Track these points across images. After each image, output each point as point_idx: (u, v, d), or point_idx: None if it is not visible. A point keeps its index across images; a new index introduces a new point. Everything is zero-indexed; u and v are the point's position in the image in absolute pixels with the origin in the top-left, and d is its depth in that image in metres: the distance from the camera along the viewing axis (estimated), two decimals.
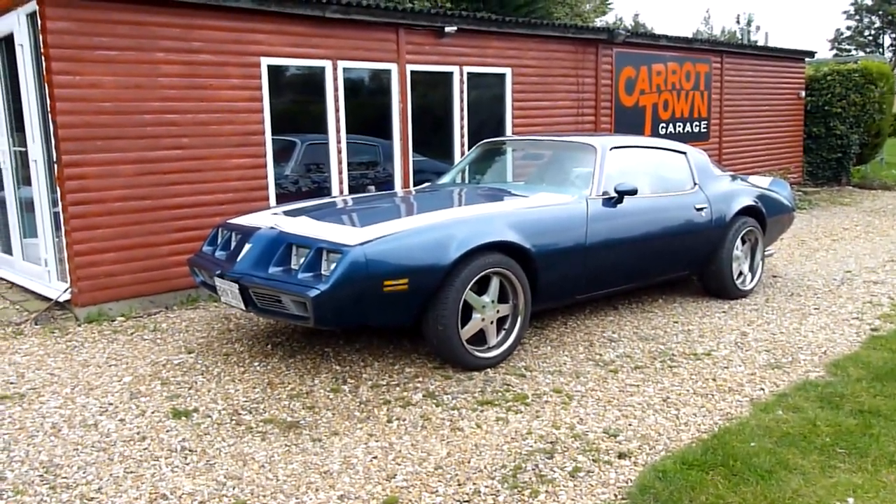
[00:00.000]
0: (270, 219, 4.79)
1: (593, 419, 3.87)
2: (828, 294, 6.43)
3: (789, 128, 13.37)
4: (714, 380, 4.43)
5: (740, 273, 6.33)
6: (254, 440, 3.63)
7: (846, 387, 4.22)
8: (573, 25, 9.02)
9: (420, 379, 4.39)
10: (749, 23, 41.23)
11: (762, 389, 4.28)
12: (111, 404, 4.08)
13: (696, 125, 11.25)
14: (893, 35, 56.93)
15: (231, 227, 4.94)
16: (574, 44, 9.12)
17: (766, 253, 6.67)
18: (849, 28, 58.84)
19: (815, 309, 5.96)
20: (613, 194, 5.25)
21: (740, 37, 34.79)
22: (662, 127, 10.66)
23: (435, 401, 4.08)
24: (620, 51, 9.77)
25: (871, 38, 58.06)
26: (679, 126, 10.93)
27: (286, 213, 4.98)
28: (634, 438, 3.64)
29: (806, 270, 7.42)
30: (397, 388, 4.25)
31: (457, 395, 4.15)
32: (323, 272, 4.09)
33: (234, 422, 3.84)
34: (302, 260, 4.18)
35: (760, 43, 13.19)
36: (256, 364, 4.65)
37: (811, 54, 13.70)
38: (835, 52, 55.27)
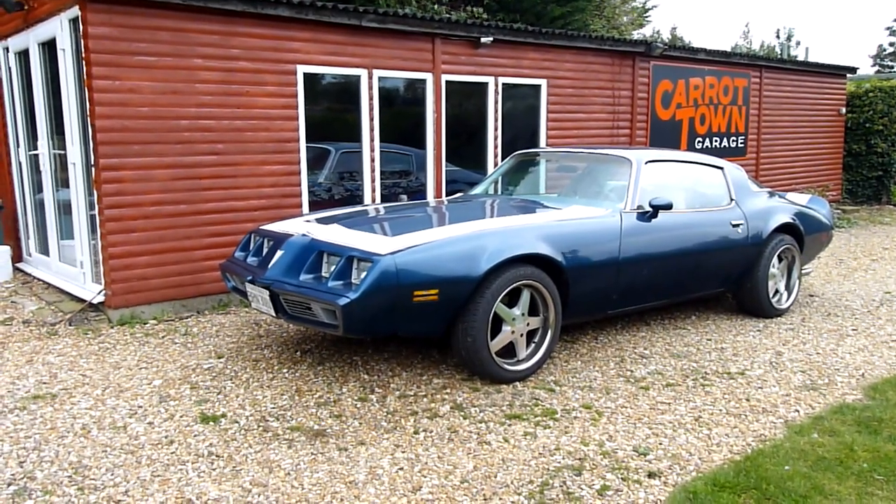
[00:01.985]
0: (303, 226, 4.80)
1: (623, 436, 3.80)
2: (866, 315, 6.29)
3: (829, 145, 13.14)
4: (748, 400, 4.34)
5: (776, 291, 6.21)
6: (280, 447, 3.63)
7: (885, 411, 4.10)
8: (610, 38, 8.96)
9: (448, 390, 4.36)
10: (789, 37, 40.74)
11: (797, 411, 4.18)
12: (140, 407, 4.11)
13: (733, 140, 11.11)
14: None
15: (263, 233, 4.97)
16: (611, 56, 9.07)
17: (803, 271, 6.54)
18: (892, 44, 57.84)
19: (853, 330, 5.82)
20: (648, 209, 5.19)
21: (780, 51, 34.36)
22: (699, 141, 10.54)
23: (462, 413, 4.05)
24: (658, 64, 9.69)
25: None
26: (716, 141, 10.80)
27: (318, 220, 4.99)
28: (665, 458, 3.57)
29: (844, 290, 7.27)
30: (425, 399, 4.22)
31: (485, 408, 4.11)
32: (353, 280, 4.08)
33: (261, 428, 3.84)
34: (333, 268, 4.18)
35: (800, 58, 12.97)
36: (285, 371, 4.66)
37: (853, 70, 13.46)
38: (877, 68, 54.33)
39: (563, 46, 8.49)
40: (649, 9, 24.55)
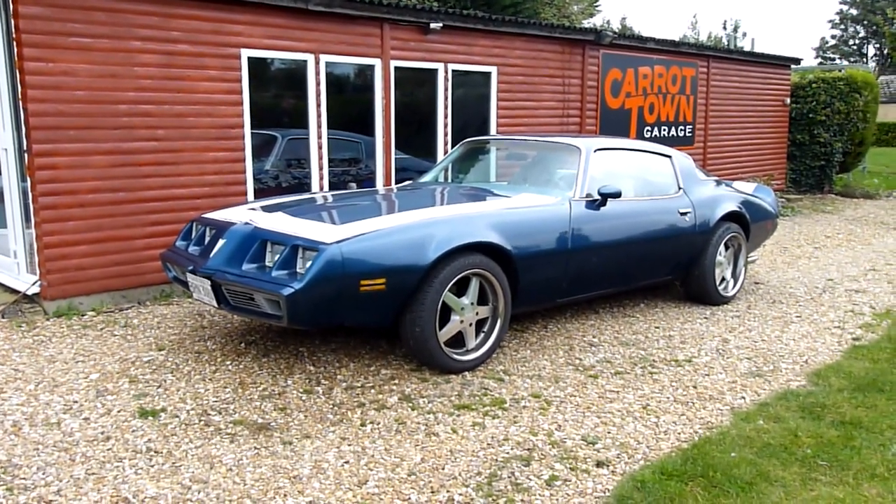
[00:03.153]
0: (246, 214, 4.67)
1: (572, 426, 3.78)
2: (810, 302, 6.40)
3: (774, 134, 13.38)
4: (695, 387, 4.36)
5: (723, 279, 6.28)
6: (222, 442, 3.51)
7: (828, 397, 4.16)
8: (560, 25, 8.95)
9: (396, 381, 4.29)
10: (735, 29, 41.50)
11: (743, 398, 4.22)
12: (76, 402, 3.95)
13: (681, 129, 11.23)
14: (877, 45, 57.48)
15: (206, 221, 4.82)
16: (561, 44, 9.05)
17: (748, 259, 6.62)
18: (833, 37, 59.42)
19: (797, 317, 5.92)
20: (597, 197, 5.18)
21: (727, 42, 34.94)
22: (648, 130, 10.62)
23: (411, 404, 3.98)
24: (607, 52, 9.72)
25: (855, 47, 58.62)
26: (664, 130, 10.90)
27: (263, 208, 4.86)
28: (613, 446, 3.56)
29: (788, 278, 7.39)
30: (372, 391, 4.14)
31: (433, 399, 4.05)
32: (298, 270, 3.98)
33: (202, 422, 3.72)
34: (277, 257, 4.06)
35: (747, 49, 13.17)
36: (228, 363, 4.53)
37: (797, 61, 13.73)
38: (819, 60, 55.76)
39: (514, 34, 8.45)
40: None
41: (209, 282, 4.16)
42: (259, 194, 6.61)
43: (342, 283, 3.89)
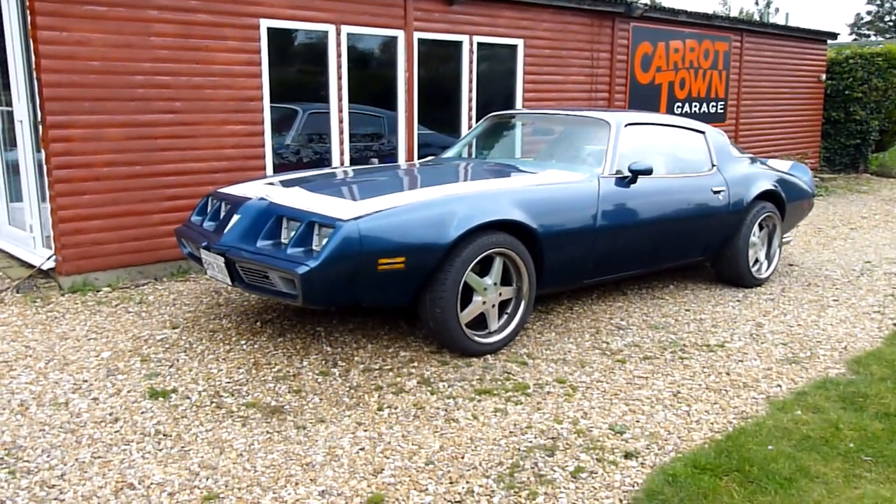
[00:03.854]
0: (262, 189, 4.51)
1: (598, 414, 3.60)
2: (847, 285, 6.14)
3: (808, 112, 12.98)
4: (728, 374, 4.16)
5: (756, 260, 6.04)
6: (234, 426, 3.38)
7: (870, 386, 3.94)
8: None
9: (415, 364, 4.13)
10: (768, 4, 40.51)
11: (779, 386, 4.01)
12: (85, 381, 3.84)
13: (712, 105, 10.89)
14: None
15: (221, 196, 4.67)
16: (590, 16, 8.76)
17: (783, 240, 6.37)
18: (869, 13, 57.84)
19: (834, 301, 5.67)
20: (627, 174, 4.95)
21: (759, 18, 34.11)
22: (678, 106, 10.31)
23: (430, 388, 3.82)
24: (638, 25, 9.40)
25: (892, 23, 57.05)
26: (695, 106, 10.58)
27: (281, 183, 4.70)
28: (642, 437, 3.38)
29: (824, 259, 7.12)
30: (390, 374, 3.99)
31: (453, 383, 3.89)
32: (314, 247, 3.82)
33: (214, 405, 3.59)
34: (292, 234, 3.91)
35: (780, 24, 12.73)
36: (243, 342, 4.40)
37: (833, 36, 13.27)
38: (854, 37, 54.38)
39: (541, 5, 8.17)
40: None
41: (223, 259, 4.02)
42: (278, 169, 6.46)
43: (359, 262, 3.72)
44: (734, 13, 41.20)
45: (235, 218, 4.16)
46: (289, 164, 6.65)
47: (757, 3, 42.04)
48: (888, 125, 14.02)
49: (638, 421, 3.54)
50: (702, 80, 10.62)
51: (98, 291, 5.45)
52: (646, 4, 9.25)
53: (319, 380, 3.89)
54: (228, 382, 3.84)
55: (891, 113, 13.81)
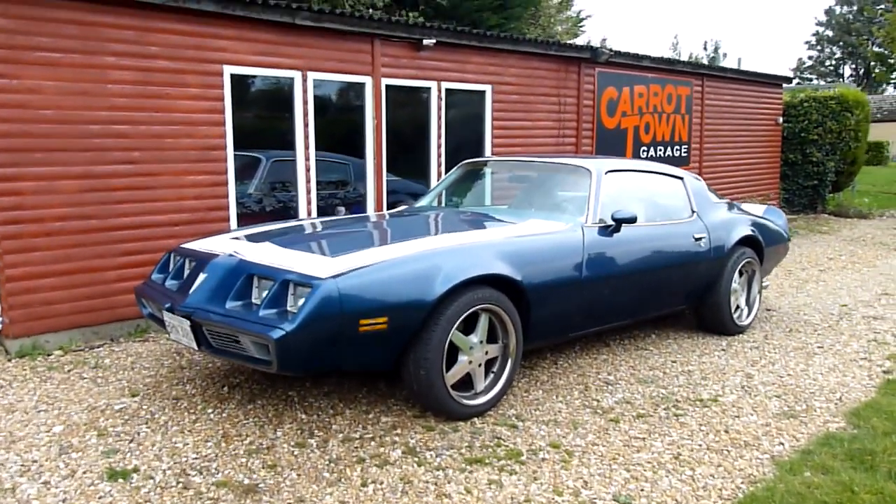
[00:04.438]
0: (230, 244, 4.23)
1: (599, 482, 3.36)
2: (828, 330, 6.04)
3: (767, 154, 13.14)
4: (726, 431, 3.96)
5: (737, 307, 5.91)
6: None
7: (875, 442, 3.77)
8: (556, 42, 8.62)
9: (399, 431, 3.84)
10: (716, 49, 41.72)
11: (781, 444, 3.82)
12: (35, 462, 3.47)
13: (676, 149, 10.92)
14: (853, 65, 58.13)
15: (185, 252, 4.37)
16: (557, 62, 8.72)
17: (762, 285, 6.26)
18: (810, 58, 60.01)
19: (819, 347, 5.55)
20: (611, 222, 4.79)
21: (708, 63, 35.01)
22: (644, 150, 10.30)
23: (416, 458, 3.54)
24: (603, 70, 9.40)
25: (832, 67, 59.24)
26: (660, 149, 10.59)
27: (248, 237, 4.42)
28: None
29: (800, 303, 7.04)
30: (372, 443, 3.70)
31: (441, 452, 3.61)
32: (289, 308, 3.54)
33: (180, 485, 3.25)
34: (265, 294, 3.62)
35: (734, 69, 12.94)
36: (210, 411, 4.07)
37: (789, 80, 13.54)
38: (797, 80, 56.21)
39: (508, 51, 8.10)
40: (583, 18, 24.60)
41: (188, 321, 3.71)
42: (242, 220, 6.17)
43: (339, 324, 3.46)
44: (684, 58, 42.32)
45: (202, 276, 3.86)
46: (252, 214, 6.37)
47: (706, 48, 43.28)
48: (843, 166, 14.28)
49: (642, 490, 3.30)
50: (665, 124, 10.65)
51: (49, 355, 5.07)
52: (611, 50, 9.26)
53: (296, 452, 3.58)
54: (196, 458, 3.51)
55: (846, 154, 14.07)
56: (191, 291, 3.83)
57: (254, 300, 3.72)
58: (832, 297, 7.36)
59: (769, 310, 6.77)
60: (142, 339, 5.52)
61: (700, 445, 3.78)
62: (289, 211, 6.64)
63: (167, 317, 3.90)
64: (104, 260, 5.43)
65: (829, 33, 57.85)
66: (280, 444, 3.66)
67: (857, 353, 5.43)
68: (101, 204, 5.36)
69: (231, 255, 3.93)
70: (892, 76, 24.40)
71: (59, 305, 5.24)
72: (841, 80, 56.85)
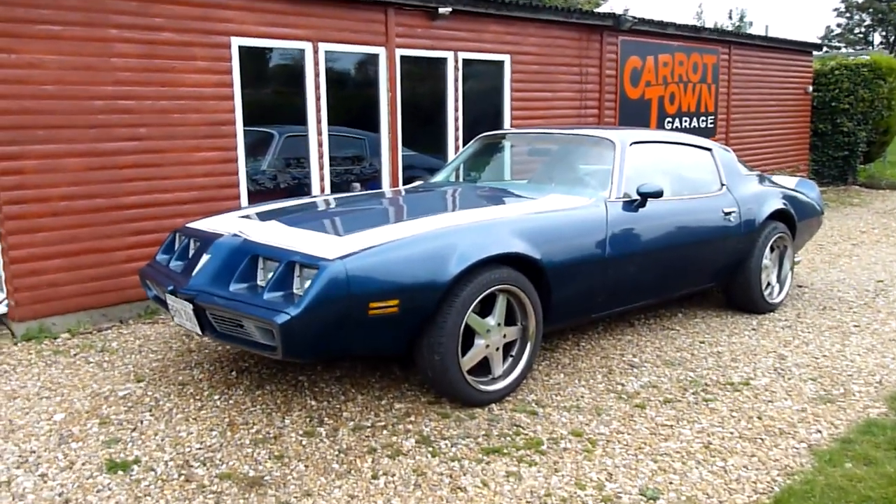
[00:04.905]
0: (236, 223, 4.05)
1: (624, 474, 3.16)
2: (864, 308, 5.76)
3: (796, 124, 12.73)
4: (759, 418, 3.74)
5: (768, 284, 5.65)
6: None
7: None
8: (577, 10, 8.30)
9: (412, 418, 3.66)
10: (741, 18, 40.74)
11: (819, 432, 3.59)
12: (33, 452, 3.33)
13: (702, 120, 10.58)
14: (884, 33, 56.62)
15: (190, 232, 4.20)
16: (578, 30, 8.41)
17: (794, 261, 5.99)
18: (839, 25, 58.49)
19: (856, 326, 5.29)
20: (635, 197, 4.55)
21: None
22: (668, 121, 9.97)
23: (430, 448, 3.36)
24: (626, 39, 9.07)
25: (861, 35, 57.75)
26: (686, 121, 10.25)
27: (257, 215, 4.23)
28: (679, 502, 2.93)
29: (833, 279, 6.76)
30: (384, 432, 3.52)
31: (457, 441, 3.43)
32: (295, 291, 3.36)
33: (182, 478, 3.10)
34: (270, 276, 3.44)
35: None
36: (217, 397, 3.91)
37: (819, 47, 13.08)
38: (825, 49, 54.91)
39: (527, 19, 7.80)
40: None
41: (191, 305, 3.54)
42: (254, 198, 6.00)
43: (347, 307, 3.27)
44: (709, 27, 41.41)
45: (205, 258, 3.69)
46: (265, 192, 6.19)
47: (731, 17, 42.28)
48: (875, 136, 13.81)
49: (671, 482, 3.09)
50: (691, 94, 10.30)
51: (56, 339, 4.94)
52: (634, 18, 8.91)
53: (304, 442, 3.41)
54: (199, 448, 3.35)
55: (878, 124, 13.60)
56: (194, 273, 3.65)
57: (259, 282, 3.55)
58: (867, 272, 7.07)
59: (801, 286, 6.49)
60: (151, 321, 5.38)
61: (732, 433, 3.56)
62: (303, 188, 6.45)
63: (170, 300, 3.74)
64: (112, 240, 5.27)
65: (859, 0, 56.31)
66: (288, 434, 3.49)
67: None
68: (107, 182, 5.20)
69: (235, 235, 3.75)
70: None
71: (65, 287, 5.11)
72: (871, 47, 55.45)
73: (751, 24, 41.13)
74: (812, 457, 3.32)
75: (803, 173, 12.95)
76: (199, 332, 3.62)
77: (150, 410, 3.76)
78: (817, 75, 13.34)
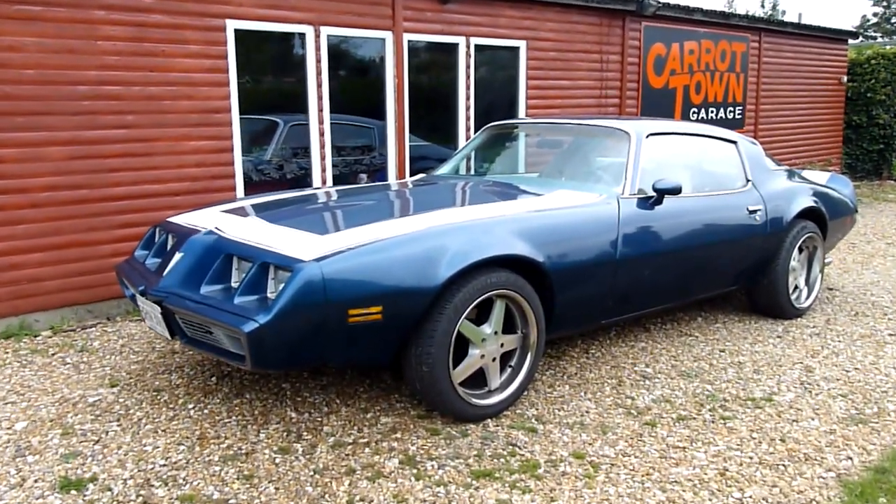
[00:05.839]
0: (216, 218, 3.76)
1: None
2: None
3: (829, 116, 12.20)
4: (783, 440, 3.38)
5: (796, 287, 5.26)
6: None
7: None
8: None
9: (398, 435, 3.35)
10: (774, 7, 39.78)
11: (849, 458, 3.23)
12: None
13: (730, 111, 10.13)
14: None
15: (169, 227, 3.91)
16: (599, 15, 8.01)
17: (824, 262, 5.59)
18: (875, 14, 57.05)
19: (891, 335, 4.89)
20: (651, 193, 4.19)
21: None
22: (694, 112, 9.54)
23: (415, 471, 3.04)
24: (650, 25, 8.65)
25: None
26: (712, 111, 9.81)
27: (240, 210, 3.94)
28: None
29: (865, 281, 6.34)
30: (366, 450, 3.21)
31: (445, 462, 3.11)
32: (269, 295, 3.06)
33: (140, 499, 2.82)
34: (243, 277, 3.14)
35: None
36: (191, 406, 3.63)
37: (855, 35, 12.53)
38: (860, 39, 53.57)
39: (545, 3, 7.43)
40: None
41: (159, 308, 3.26)
42: (256, 189, 5.71)
43: (324, 314, 2.96)
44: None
45: (177, 256, 3.40)
46: (267, 183, 5.91)
47: (763, 6, 41.29)
48: None
49: None
50: (718, 83, 9.86)
51: (36, 336, 4.70)
52: (658, 2, 8.49)
53: (278, 460, 3.12)
54: (164, 465, 3.07)
55: None
56: (164, 273, 3.37)
57: (233, 284, 3.25)
58: None
59: (831, 289, 6.09)
60: (139, 317, 5.12)
61: (751, 458, 3.22)
62: (307, 179, 6.15)
63: (140, 301, 3.46)
64: (98, 233, 5.02)
65: None
66: (261, 450, 3.20)
67: None
68: (92, 172, 4.94)
69: (210, 232, 3.46)
70: None
71: (48, 282, 4.86)
72: None
73: (783, 12, 40.14)
74: (841, 489, 2.97)
75: (836, 167, 12.44)
76: (169, 337, 3.34)
77: (119, 420, 3.48)
78: (852, 65, 12.80)
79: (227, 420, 3.47)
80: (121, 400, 3.71)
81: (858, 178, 13.11)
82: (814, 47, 11.49)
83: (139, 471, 3.02)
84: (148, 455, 3.15)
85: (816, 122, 11.88)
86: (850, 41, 12.69)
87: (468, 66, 6.96)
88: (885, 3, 56.00)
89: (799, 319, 5.24)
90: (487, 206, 3.77)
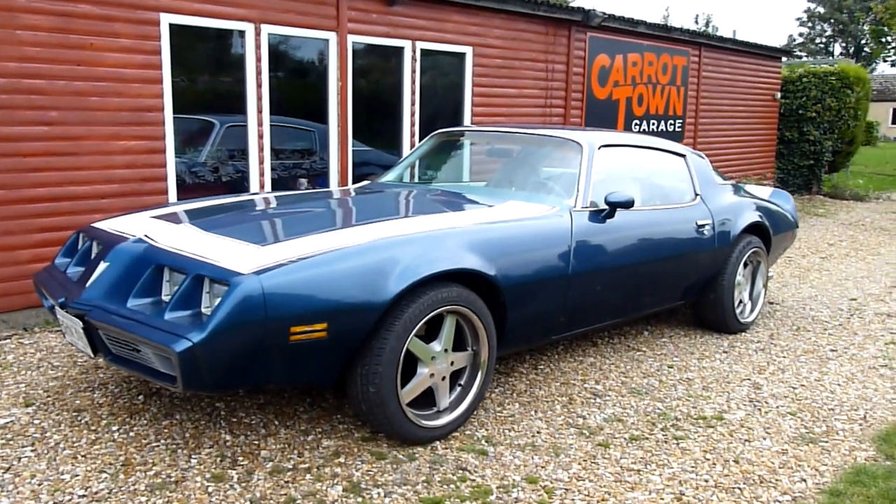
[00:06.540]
0: (146, 225, 3.49)
1: None
2: (839, 329, 5.41)
3: (764, 131, 12.48)
4: (736, 461, 3.31)
5: (740, 302, 5.26)
6: None
7: None
8: (545, 3, 7.83)
9: (342, 459, 3.15)
10: (707, 24, 40.82)
11: (803, 480, 3.17)
12: None
13: (670, 123, 10.22)
14: (843, 44, 57.46)
15: (94, 233, 3.62)
16: (545, 24, 7.95)
17: (767, 277, 5.61)
18: (801, 35, 59.27)
19: (833, 351, 4.92)
20: (604, 206, 4.09)
21: None
22: (636, 123, 9.58)
23: (360, 498, 2.85)
24: (595, 35, 8.64)
25: (822, 45, 58.55)
26: (653, 123, 9.88)
27: (172, 217, 3.68)
28: None
29: (804, 296, 6.41)
30: (307, 476, 3.00)
31: (391, 490, 2.93)
32: (203, 310, 2.82)
33: None
34: (175, 290, 2.90)
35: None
36: (115, 428, 3.35)
37: (789, 53, 12.84)
38: (786, 59, 55.52)
39: (492, 10, 7.33)
40: None
41: (80, 322, 2.99)
42: (188, 192, 5.42)
43: (264, 332, 2.74)
44: None
45: (102, 266, 3.13)
46: (202, 186, 5.62)
47: (696, 22, 42.29)
48: (841, 146, 13.65)
49: None
50: (660, 96, 9.94)
51: None
52: (604, 13, 8.49)
53: (210, 489, 2.88)
54: (83, 496, 2.80)
55: (844, 133, 13.44)
56: (88, 284, 3.09)
57: (164, 297, 3.00)
58: (838, 288, 6.74)
59: (772, 303, 6.13)
60: (59, 329, 4.77)
61: (706, 481, 3.13)
62: (244, 183, 5.88)
63: (59, 314, 3.18)
64: (15, 237, 4.67)
65: (821, 10, 57.08)
66: (192, 477, 2.95)
67: (876, 358, 4.80)
68: (9, 172, 4.60)
69: (139, 241, 3.20)
70: (890, 53, 23.76)
71: None
72: (831, 57, 56.21)
73: (716, 29, 41.19)
74: None
75: (770, 181, 12.71)
76: (91, 355, 3.07)
77: (33, 444, 3.19)
78: (785, 82, 13.13)
79: (155, 444, 3.21)
80: (36, 421, 3.40)
81: (789, 192, 13.41)
82: (750, 63, 11.72)
83: (55, 502, 2.74)
84: (65, 484, 2.87)
85: (752, 137, 12.13)
86: (784, 59, 13.00)
87: (414, 71, 6.79)
88: (809, 24, 58.25)
89: (743, 334, 5.23)
90: (437, 217, 3.61)
